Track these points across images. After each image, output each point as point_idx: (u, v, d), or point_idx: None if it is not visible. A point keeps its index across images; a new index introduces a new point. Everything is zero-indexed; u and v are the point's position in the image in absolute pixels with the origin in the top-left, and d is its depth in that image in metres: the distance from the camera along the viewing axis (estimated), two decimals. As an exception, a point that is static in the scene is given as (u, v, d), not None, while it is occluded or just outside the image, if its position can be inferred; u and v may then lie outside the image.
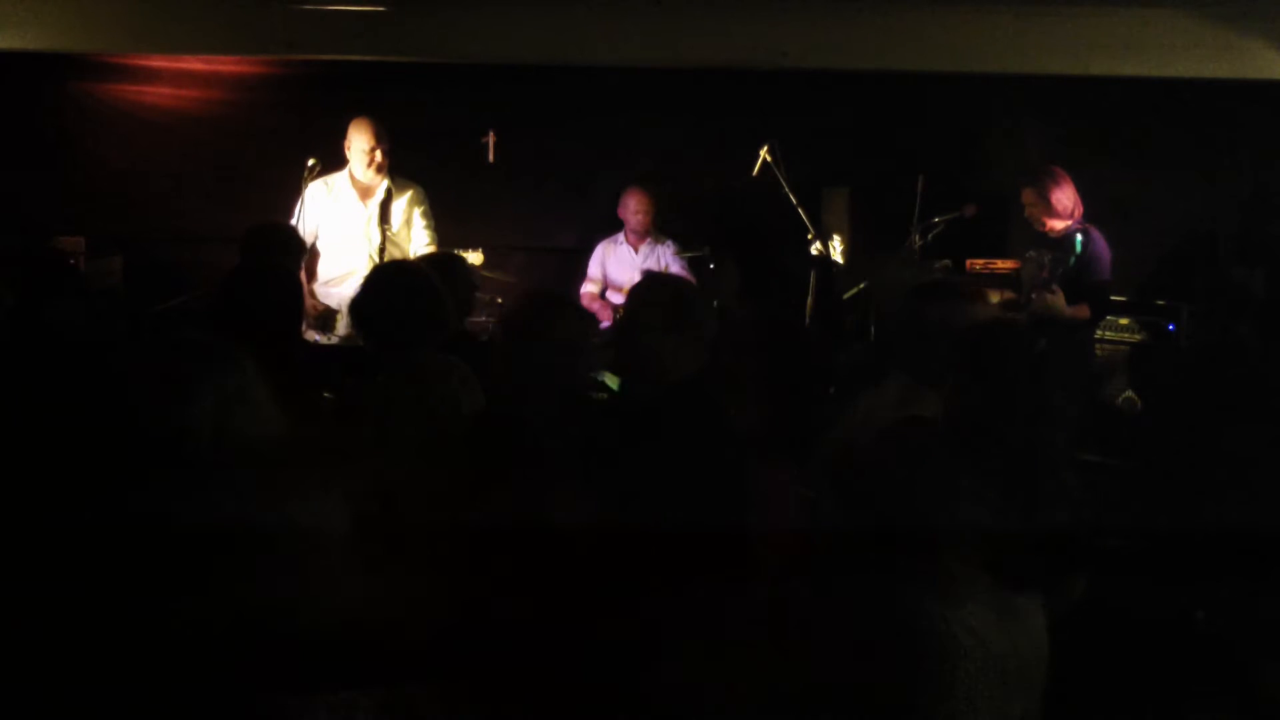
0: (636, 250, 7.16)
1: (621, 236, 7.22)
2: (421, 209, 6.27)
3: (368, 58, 7.04)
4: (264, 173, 5.97)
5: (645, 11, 6.68)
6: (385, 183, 6.13)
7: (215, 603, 2.23)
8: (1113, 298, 6.07)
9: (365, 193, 6.14)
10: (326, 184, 6.14)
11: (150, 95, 7.54)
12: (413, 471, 3.37)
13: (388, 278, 3.96)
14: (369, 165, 6.05)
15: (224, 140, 7.37)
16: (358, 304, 3.79)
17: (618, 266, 7.18)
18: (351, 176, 6.15)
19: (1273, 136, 6.84)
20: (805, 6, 6.64)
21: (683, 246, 7.06)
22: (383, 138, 6.11)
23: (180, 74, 7.51)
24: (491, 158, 7.42)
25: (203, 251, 6.67)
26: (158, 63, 7.45)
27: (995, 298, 5.65)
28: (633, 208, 7.10)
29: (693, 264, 6.97)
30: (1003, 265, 6.48)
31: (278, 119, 5.94)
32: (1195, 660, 3.31)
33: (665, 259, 7.08)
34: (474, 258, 5.97)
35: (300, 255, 5.39)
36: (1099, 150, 6.96)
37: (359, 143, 6.09)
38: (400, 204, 6.17)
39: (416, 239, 6.27)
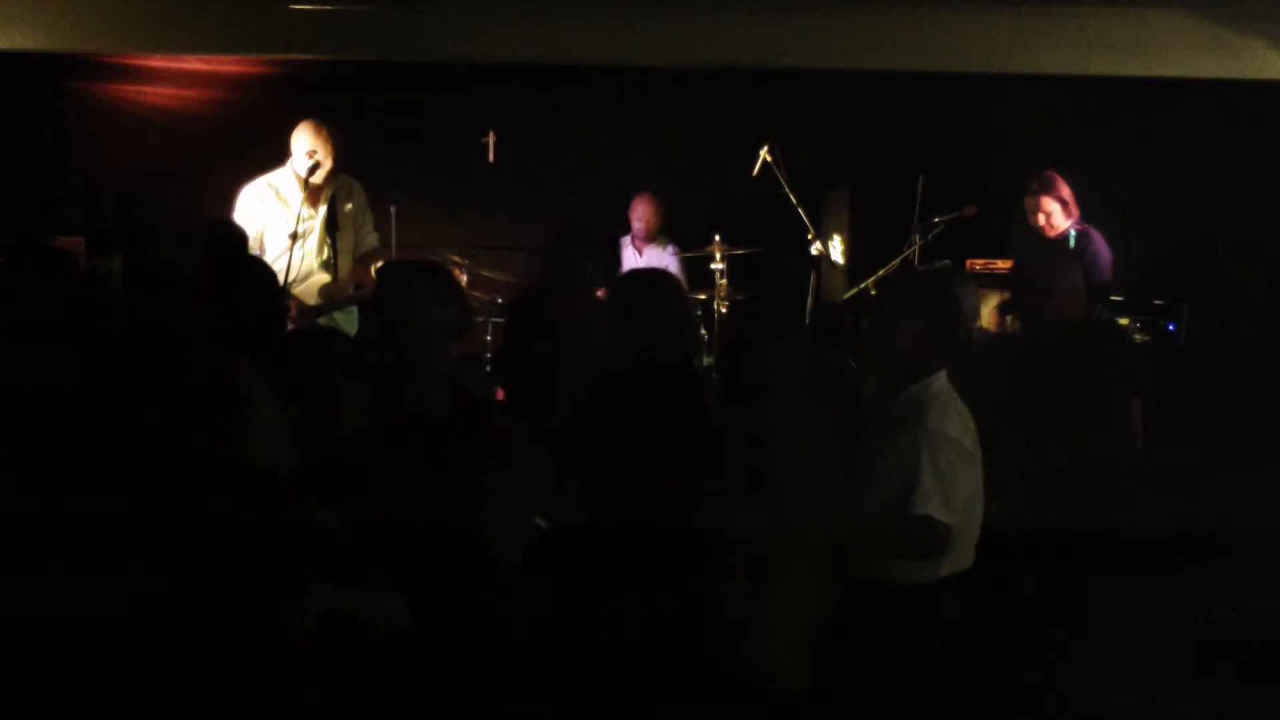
0: (640, 253, 7.20)
1: (629, 239, 7.24)
2: (364, 206, 5.96)
3: (368, 58, 7.05)
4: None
5: (645, 11, 6.68)
6: (332, 185, 5.80)
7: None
8: (1112, 298, 6.07)
9: (313, 195, 5.77)
10: (271, 184, 5.80)
11: (150, 95, 7.54)
12: None
13: None
14: (313, 168, 5.69)
15: (224, 140, 7.36)
16: None
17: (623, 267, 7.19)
18: (297, 177, 5.74)
19: (1273, 136, 6.84)
20: (805, 6, 6.64)
21: (683, 248, 7.11)
22: (327, 141, 5.74)
23: (180, 74, 7.51)
24: (492, 158, 7.41)
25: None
26: (158, 63, 7.45)
27: (995, 298, 5.65)
28: (639, 214, 7.15)
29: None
30: (1002, 265, 6.47)
31: (278, 119, 5.91)
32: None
33: (665, 260, 7.09)
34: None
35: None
36: (1099, 150, 6.96)
37: (301, 146, 5.73)
38: (347, 204, 5.86)
39: (361, 237, 5.97)
